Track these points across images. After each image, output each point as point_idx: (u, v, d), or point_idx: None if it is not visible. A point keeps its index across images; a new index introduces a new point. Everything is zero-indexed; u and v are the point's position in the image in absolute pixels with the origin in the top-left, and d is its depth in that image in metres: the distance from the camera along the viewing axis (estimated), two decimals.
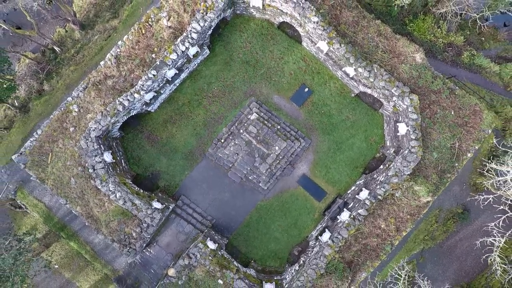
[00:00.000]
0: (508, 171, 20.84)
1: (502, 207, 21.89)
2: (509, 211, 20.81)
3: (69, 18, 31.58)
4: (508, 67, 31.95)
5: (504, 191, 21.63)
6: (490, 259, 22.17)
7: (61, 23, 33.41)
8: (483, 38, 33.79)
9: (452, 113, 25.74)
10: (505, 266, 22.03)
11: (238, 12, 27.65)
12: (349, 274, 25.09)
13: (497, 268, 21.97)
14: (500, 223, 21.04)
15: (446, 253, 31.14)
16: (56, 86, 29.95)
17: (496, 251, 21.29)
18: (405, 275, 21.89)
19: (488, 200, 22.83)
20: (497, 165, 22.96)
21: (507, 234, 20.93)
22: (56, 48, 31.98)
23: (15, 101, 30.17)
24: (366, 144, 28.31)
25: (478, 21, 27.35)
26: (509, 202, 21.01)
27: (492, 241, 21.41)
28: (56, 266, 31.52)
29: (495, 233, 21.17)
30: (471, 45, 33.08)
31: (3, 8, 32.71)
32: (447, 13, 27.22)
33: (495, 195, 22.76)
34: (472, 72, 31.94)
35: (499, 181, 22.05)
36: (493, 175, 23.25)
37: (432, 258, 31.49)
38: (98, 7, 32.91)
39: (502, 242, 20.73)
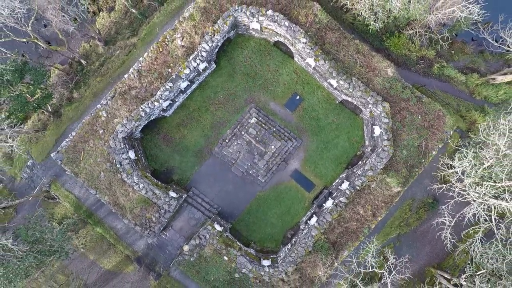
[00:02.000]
0: (456, 165, 25.79)
1: (451, 193, 26.87)
2: (456, 196, 25.74)
3: (94, 36, 36.68)
4: (474, 77, 36.94)
5: (453, 182, 26.58)
6: (443, 236, 27.11)
7: (86, 39, 38.52)
8: (453, 51, 38.81)
9: (419, 117, 30.80)
10: (454, 241, 27.07)
11: (240, 32, 32.74)
12: (333, 252, 30.14)
13: (447, 242, 26.95)
14: (449, 207, 25.98)
15: (419, 237, 36.05)
16: (84, 95, 35.02)
17: (447, 229, 26.24)
18: (373, 249, 26.80)
19: (442, 189, 27.84)
20: (450, 160, 27.94)
21: (457, 216, 25.89)
22: (82, 61, 37.07)
23: (49, 107, 35.22)
24: (349, 143, 33.36)
25: (441, 41, 32.30)
26: (457, 190, 25.89)
27: (443, 221, 26.34)
28: (83, 250, 36.50)
29: (446, 214, 26.11)
30: (442, 57, 38.04)
31: (46, 31, 37.80)
32: (415, 34, 32.23)
33: (448, 184, 27.71)
34: (442, 81, 36.93)
35: (451, 173, 26.98)
36: (445, 168, 28.23)
37: (407, 242, 36.42)
38: (118, 25, 38.04)
39: (453, 222, 25.65)
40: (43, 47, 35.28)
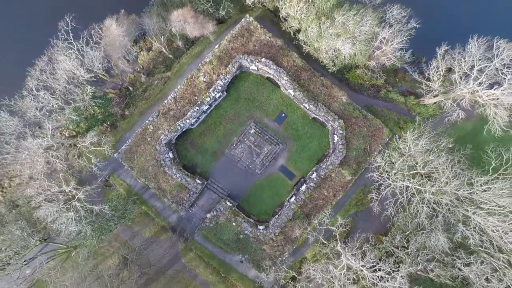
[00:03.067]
0: (379, 160, 40.47)
1: (377, 177, 41.59)
2: (377, 176, 40.43)
3: (138, 70, 51.44)
4: (411, 98, 51.45)
5: (377, 172, 41.26)
6: (373, 207, 41.83)
7: (132, 71, 53.22)
8: (397, 79, 53.48)
9: (365, 129, 45.45)
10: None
11: (243, 70, 47.47)
12: (306, 220, 44.73)
13: (376, 209, 41.60)
14: (379, 187, 40.67)
15: (370, 214, 50.61)
16: (133, 113, 49.73)
17: (375, 201, 40.87)
18: (328, 213, 41.44)
19: (372, 175, 42.60)
20: (380, 158, 42.59)
21: (383, 193, 40.54)
22: (130, 88, 51.78)
23: (108, 121, 49.86)
24: (318, 147, 48.00)
25: (379, 76, 46.96)
26: (381, 176, 40.48)
27: (373, 196, 41.11)
28: (130, 223, 51.06)
29: (374, 191, 40.74)
30: (389, 84, 52.72)
31: (118, 81, 52.08)
32: (362, 71, 46.93)
33: (377, 173, 42.31)
34: (387, 102, 51.51)
35: (377, 166, 41.69)
36: (375, 162, 42.93)
37: (362, 217, 50.87)
38: (155, 62, 52.76)
39: (379, 197, 40.26)
40: (107, 80, 49.91)
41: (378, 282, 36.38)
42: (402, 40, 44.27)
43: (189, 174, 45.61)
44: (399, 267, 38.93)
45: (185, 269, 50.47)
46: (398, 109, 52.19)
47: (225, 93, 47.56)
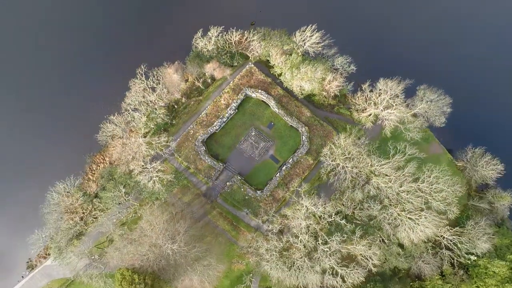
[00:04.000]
0: (325, 150, 69.85)
1: (325, 160, 70.96)
2: (325, 160, 69.68)
3: (179, 96, 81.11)
4: (353, 112, 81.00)
5: (326, 158, 70.52)
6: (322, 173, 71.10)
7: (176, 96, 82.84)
8: (346, 100, 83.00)
9: (321, 132, 74.99)
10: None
11: (247, 96, 77.13)
12: (286, 187, 74.16)
13: (323, 176, 70.84)
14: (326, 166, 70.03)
15: (328, 187, 79.86)
16: (179, 123, 79.34)
17: (324, 171, 70.25)
18: (298, 183, 70.73)
19: (323, 159, 72.02)
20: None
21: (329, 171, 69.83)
22: (175, 105, 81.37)
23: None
24: (294, 143, 77.45)
25: (330, 98, 76.57)
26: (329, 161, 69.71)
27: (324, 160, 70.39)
28: (176, 189, 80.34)
29: (323, 167, 70.18)
30: (341, 103, 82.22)
31: (168, 101, 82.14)
32: (321, 96, 76.47)
33: (325, 158, 71.41)
34: (339, 115, 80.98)
35: (326, 153, 70.97)
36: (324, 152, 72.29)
37: (323, 189, 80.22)
38: (190, 89, 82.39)
39: (327, 170, 69.59)
40: (162, 101, 79.59)
41: (330, 219, 65.44)
42: (343, 78, 73.88)
43: (214, 159, 75.10)
44: (339, 213, 68.20)
45: (211, 222, 79.86)
46: (346, 119, 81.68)
47: (236, 110, 77.08)
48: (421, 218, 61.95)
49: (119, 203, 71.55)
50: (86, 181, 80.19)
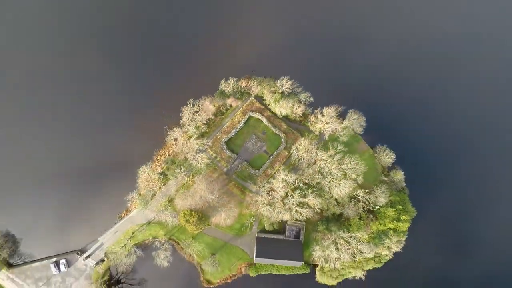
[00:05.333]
0: (293, 147, 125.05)
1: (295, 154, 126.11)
2: (294, 152, 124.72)
3: (211, 116, 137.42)
4: (314, 126, 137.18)
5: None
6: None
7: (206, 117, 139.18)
8: (307, 117, 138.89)
9: (292, 137, 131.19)
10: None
11: (250, 116, 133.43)
12: (272, 168, 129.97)
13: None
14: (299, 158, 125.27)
15: (296, 168, 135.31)
16: (211, 131, 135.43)
17: (296, 159, 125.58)
18: (280, 168, 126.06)
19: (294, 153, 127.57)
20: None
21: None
22: (208, 121, 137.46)
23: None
24: (277, 144, 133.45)
25: (300, 117, 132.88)
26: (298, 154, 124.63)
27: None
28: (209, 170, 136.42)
29: (294, 152, 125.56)
30: (306, 118, 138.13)
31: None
32: (294, 115, 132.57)
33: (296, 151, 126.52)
34: (303, 126, 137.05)
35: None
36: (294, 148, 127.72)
37: (295, 171, 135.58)
38: (217, 112, 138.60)
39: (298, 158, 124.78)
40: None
41: (295, 184, 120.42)
42: (305, 106, 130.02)
43: (231, 152, 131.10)
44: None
45: (228, 190, 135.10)
46: (307, 129, 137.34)
47: (244, 124, 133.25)
48: (342, 182, 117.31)
49: (176, 177, 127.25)
50: (155, 166, 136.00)
